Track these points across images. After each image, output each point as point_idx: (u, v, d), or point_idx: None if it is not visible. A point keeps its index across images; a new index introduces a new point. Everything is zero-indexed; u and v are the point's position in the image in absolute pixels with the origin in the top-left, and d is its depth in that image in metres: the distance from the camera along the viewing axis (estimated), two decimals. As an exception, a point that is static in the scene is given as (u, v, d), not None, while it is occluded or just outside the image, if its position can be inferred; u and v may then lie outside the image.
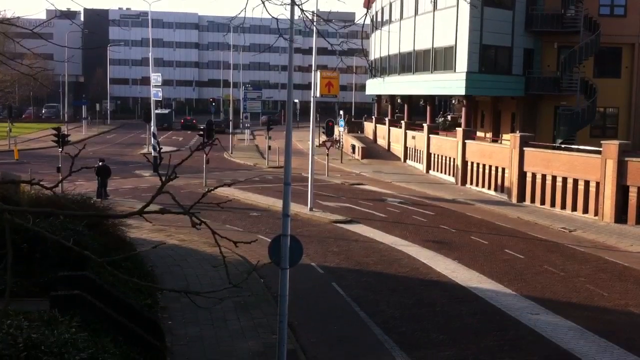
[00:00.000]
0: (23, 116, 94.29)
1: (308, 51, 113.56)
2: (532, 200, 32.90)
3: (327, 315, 16.65)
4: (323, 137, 48.84)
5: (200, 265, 20.23)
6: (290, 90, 12.97)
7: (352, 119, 79.17)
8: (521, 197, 33.47)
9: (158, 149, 8.92)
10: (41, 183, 7.03)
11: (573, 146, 34.68)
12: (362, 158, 53.59)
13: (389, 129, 56.69)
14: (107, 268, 7.50)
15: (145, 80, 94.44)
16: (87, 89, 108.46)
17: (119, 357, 10.29)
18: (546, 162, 32.27)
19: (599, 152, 29.37)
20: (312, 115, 31.76)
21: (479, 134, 48.28)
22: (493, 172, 36.54)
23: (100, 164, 32.12)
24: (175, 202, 6.69)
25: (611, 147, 28.82)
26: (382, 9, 58.01)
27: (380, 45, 58.29)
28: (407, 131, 50.41)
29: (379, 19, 59.08)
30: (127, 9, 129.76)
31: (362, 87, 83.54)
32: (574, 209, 30.46)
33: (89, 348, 9.17)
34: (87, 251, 7.30)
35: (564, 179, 31.05)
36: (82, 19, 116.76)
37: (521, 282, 19.44)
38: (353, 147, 57.34)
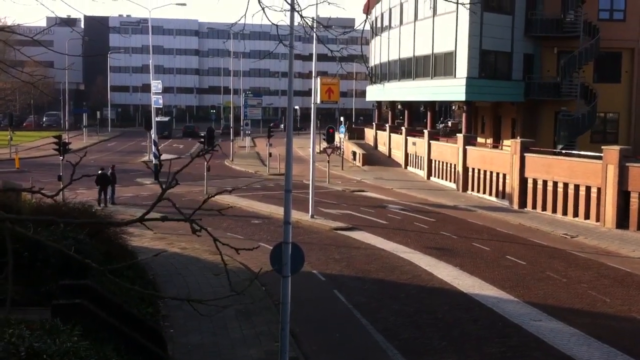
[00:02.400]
0: (24, 124, 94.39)
1: (308, 57, 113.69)
2: (534, 206, 32.85)
3: (329, 323, 16.61)
4: (324, 144, 48.86)
5: (201, 273, 20.21)
6: (291, 97, 12.98)
7: (353, 126, 79.23)
8: (522, 203, 33.44)
9: (159, 157, 8.92)
10: (42, 191, 7.01)
11: (574, 152, 34.66)
12: (362, 165, 53.58)
13: (389, 136, 56.70)
14: (108, 276, 7.48)
15: (146, 88, 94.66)
16: (87, 97, 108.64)
17: (121, 365, 10.27)
18: (547, 167, 32.25)
19: (599, 158, 29.33)
20: (313, 122, 31.78)
21: (480, 139, 48.28)
22: (494, 178, 36.51)
23: (100, 172, 32.15)
24: (176, 210, 6.67)
25: (612, 152, 28.79)
26: (382, 14, 58.13)
27: (380, 51, 58.39)
28: (407, 137, 50.41)
29: (379, 24, 59.20)
30: (127, 16, 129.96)
31: (363, 94, 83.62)
32: (576, 214, 30.42)
33: (91, 357, 9.15)
34: (89, 260, 7.28)
35: (565, 185, 31.02)
36: (82, 26, 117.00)
37: (523, 289, 19.40)
38: (354, 153, 57.34)
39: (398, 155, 53.41)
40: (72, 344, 9.09)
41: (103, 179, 32.24)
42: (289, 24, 12.02)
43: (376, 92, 61.23)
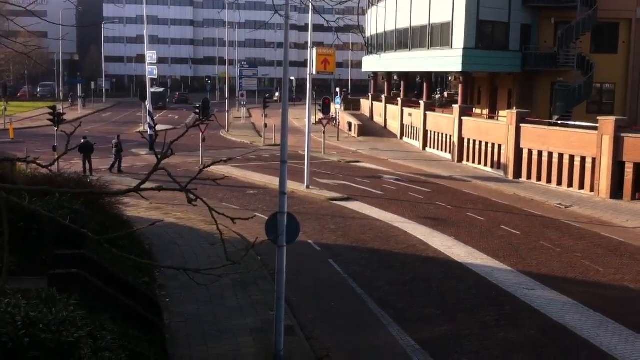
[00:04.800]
0: (18, 95, 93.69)
1: (304, 28, 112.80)
2: (529, 176, 32.96)
3: (325, 292, 16.74)
4: (319, 115, 48.72)
5: (197, 243, 20.29)
6: (286, 68, 12.91)
7: (349, 96, 78.90)
8: (517, 173, 33.52)
9: (154, 127, 8.91)
10: (37, 161, 7.00)
11: (569, 122, 34.66)
12: (358, 135, 53.51)
13: (385, 106, 56.55)
14: (104, 246, 7.51)
15: (141, 58, 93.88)
16: (81, 67, 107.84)
17: (118, 334, 10.34)
18: (542, 138, 32.28)
19: (595, 128, 29.37)
20: (309, 93, 31.66)
21: (476, 110, 48.19)
22: (489, 149, 36.55)
23: (83, 141, 32.19)
24: (171, 179, 6.67)
25: (608, 123, 28.81)
26: (379, -16, 57.55)
27: (377, 22, 57.95)
28: (403, 108, 50.30)
29: (375, -5, 58.65)
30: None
31: (359, 64, 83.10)
32: (570, 185, 30.54)
33: (87, 326, 9.20)
34: (85, 229, 7.30)
35: (560, 155, 31.08)
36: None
37: (517, 258, 19.55)
38: (349, 124, 57.23)
39: (394, 126, 53.34)
40: (69, 313, 9.12)
41: (86, 148, 32.26)
42: (284, -7, 11.92)
43: (372, 63, 60.89)
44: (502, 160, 34.98)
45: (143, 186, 6.54)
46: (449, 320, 14.71)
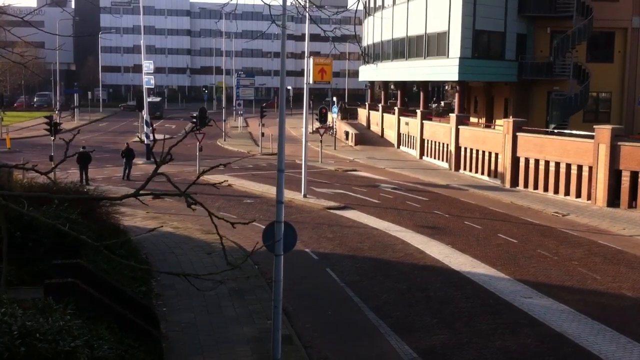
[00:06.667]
0: (15, 105, 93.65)
1: (301, 37, 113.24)
2: (525, 185, 33.00)
3: (322, 301, 16.71)
4: (316, 124, 48.77)
5: (194, 252, 20.24)
6: (283, 77, 12.93)
7: (346, 106, 79.04)
8: (514, 182, 33.56)
9: (153, 136, 8.92)
10: (35, 168, 7.02)
11: (566, 131, 34.74)
12: (355, 144, 53.57)
13: (382, 116, 56.65)
14: (103, 252, 7.51)
15: (137, 68, 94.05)
16: (79, 77, 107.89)
17: (114, 343, 10.31)
18: (539, 147, 32.35)
19: (591, 137, 29.44)
20: (305, 102, 31.72)
21: (472, 119, 48.30)
22: (486, 158, 36.60)
23: (82, 150, 32.23)
24: (170, 185, 6.68)
25: (604, 131, 28.89)
26: (375, -6, 57.74)
27: (374, 31, 58.11)
28: (400, 117, 50.38)
29: (372, 4, 58.87)
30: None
31: (355, 74, 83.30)
32: (567, 193, 30.58)
33: (84, 335, 9.18)
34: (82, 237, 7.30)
35: (557, 164, 31.14)
36: (73, 6, 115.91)
37: (514, 266, 19.54)
38: (346, 133, 57.30)
39: (391, 135, 53.41)
40: (65, 322, 9.10)
41: (84, 157, 32.26)
42: (281, 3, 11.96)
43: (369, 72, 61.02)
44: (499, 168, 35.03)
45: (142, 192, 6.55)
46: (447, 329, 14.69)
